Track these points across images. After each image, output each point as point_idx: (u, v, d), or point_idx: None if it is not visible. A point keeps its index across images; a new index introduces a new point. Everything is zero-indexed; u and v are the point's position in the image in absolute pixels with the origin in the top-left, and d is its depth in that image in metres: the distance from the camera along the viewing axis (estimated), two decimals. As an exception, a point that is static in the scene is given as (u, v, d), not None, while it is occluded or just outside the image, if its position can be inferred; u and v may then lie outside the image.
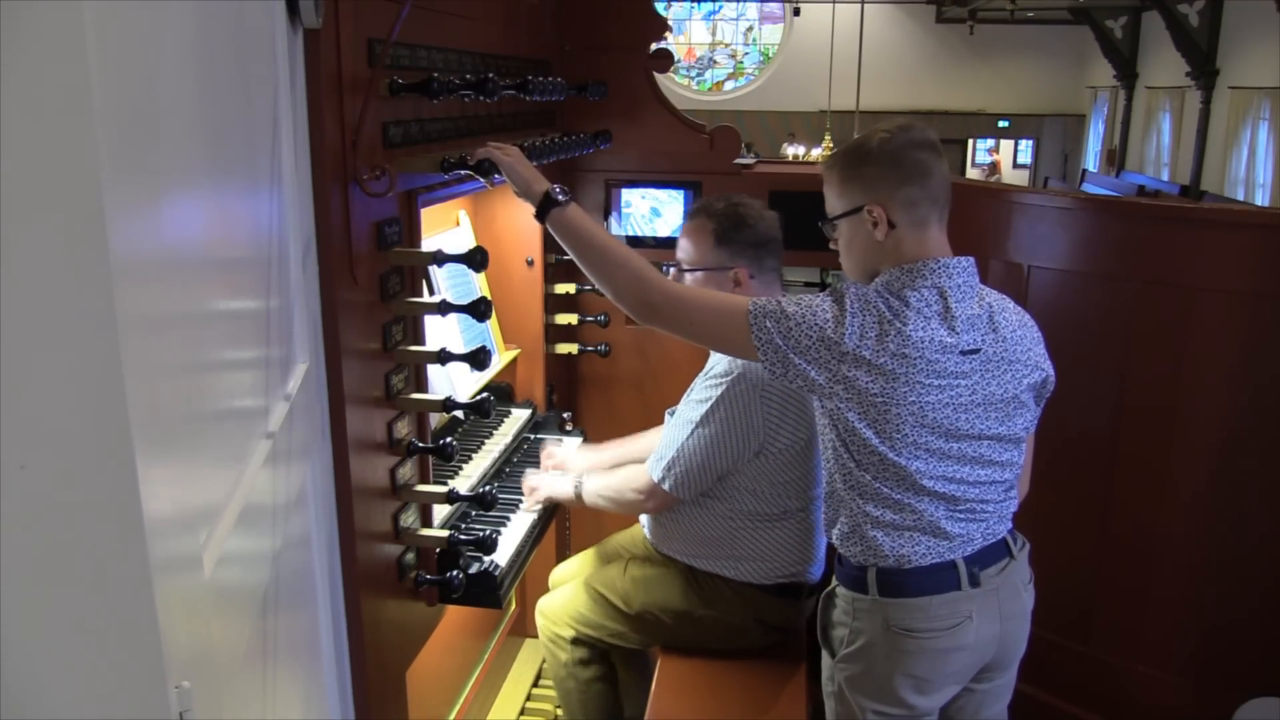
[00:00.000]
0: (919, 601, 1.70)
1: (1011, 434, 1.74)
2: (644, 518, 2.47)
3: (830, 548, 1.90)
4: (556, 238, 1.92)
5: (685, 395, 2.30)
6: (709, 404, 2.17)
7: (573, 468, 2.55)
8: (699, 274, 2.26)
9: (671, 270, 2.36)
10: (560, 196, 1.83)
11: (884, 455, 1.68)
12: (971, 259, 1.74)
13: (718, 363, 2.23)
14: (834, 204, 1.78)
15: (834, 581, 1.86)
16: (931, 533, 1.71)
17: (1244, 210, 5.66)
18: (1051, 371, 1.80)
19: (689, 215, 2.34)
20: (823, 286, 3.10)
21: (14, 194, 0.66)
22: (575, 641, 2.41)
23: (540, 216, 1.86)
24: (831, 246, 1.83)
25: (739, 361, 2.16)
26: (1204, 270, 2.21)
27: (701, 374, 2.27)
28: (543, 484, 2.40)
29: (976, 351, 1.68)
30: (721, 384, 2.17)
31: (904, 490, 1.69)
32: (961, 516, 1.72)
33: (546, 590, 2.63)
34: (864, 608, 1.75)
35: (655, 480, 2.24)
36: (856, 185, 1.72)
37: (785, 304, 1.69)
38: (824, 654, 1.86)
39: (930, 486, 1.69)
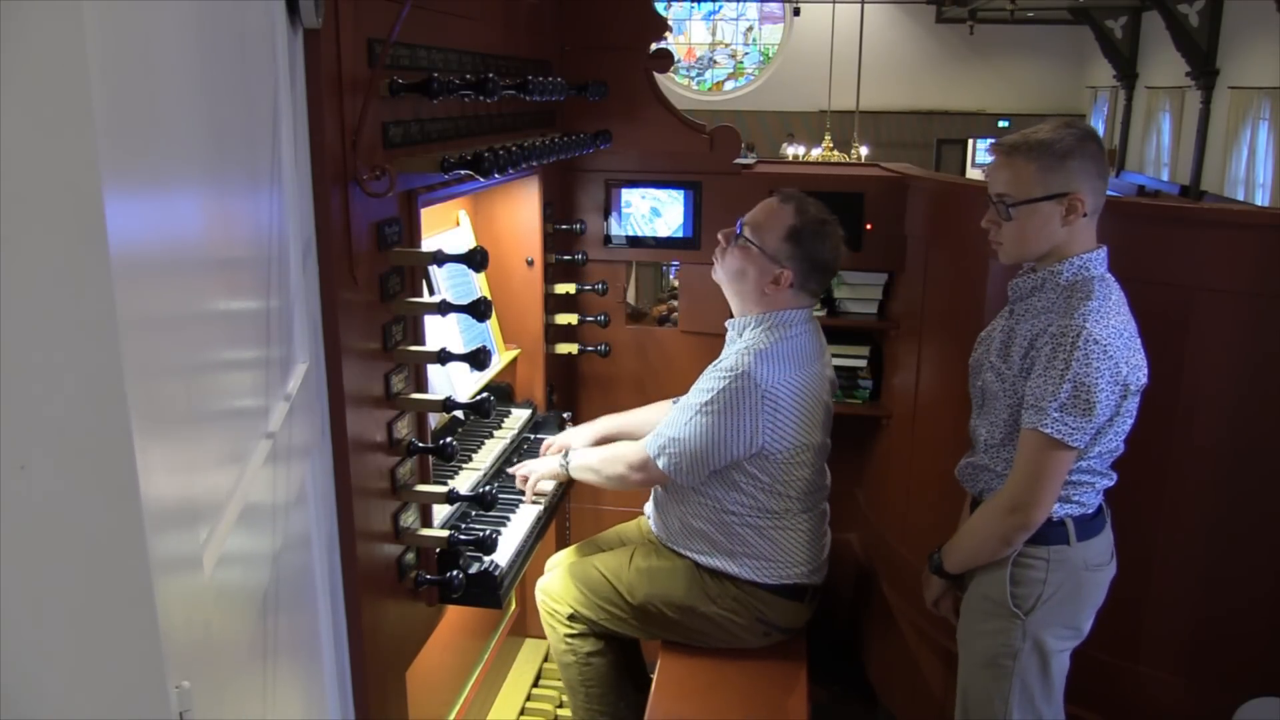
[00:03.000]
0: (1098, 539, 1.96)
1: None
2: (650, 512, 2.47)
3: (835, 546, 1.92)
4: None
5: (697, 381, 2.31)
6: (711, 394, 2.19)
7: (574, 443, 2.56)
8: (753, 250, 2.25)
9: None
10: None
11: (1110, 438, 1.90)
12: (1105, 247, 1.94)
13: (728, 354, 2.25)
14: (1026, 188, 1.86)
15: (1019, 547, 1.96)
16: (1103, 476, 1.96)
17: (1244, 210, 5.66)
18: None
19: (782, 197, 2.30)
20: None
21: (14, 194, 0.66)
22: (572, 618, 2.43)
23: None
24: (987, 224, 1.94)
25: (747, 358, 2.17)
26: (1204, 270, 2.21)
27: (714, 363, 2.28)
28: (531, 468, 2.41)
29: None
30: (726, 377, 2.18)
31: (1103, 456, 1.93)
32: (1109, 462, 1.97)
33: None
34: (1061, 558, 1.93)
35: (650, 455, 2.25)
36: (1060, 174, 1.84)
37: (1072, 404, 1.80)
38: (1003, 618, 1.95)
39: (1119, 447, 1.93)
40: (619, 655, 2.50)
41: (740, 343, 2.27)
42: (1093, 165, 1.86)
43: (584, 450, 2.43)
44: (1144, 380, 1.90)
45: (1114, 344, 1.80)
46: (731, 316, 2.36)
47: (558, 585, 2.46)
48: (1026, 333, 1.90)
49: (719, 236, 2.34)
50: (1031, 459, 1.87)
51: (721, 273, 2.32)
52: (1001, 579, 1.95)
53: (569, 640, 2.45)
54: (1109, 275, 1.92)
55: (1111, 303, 1.86)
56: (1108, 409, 1.83)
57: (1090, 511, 1.95)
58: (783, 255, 2.23)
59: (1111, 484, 1.99)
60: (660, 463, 2.24)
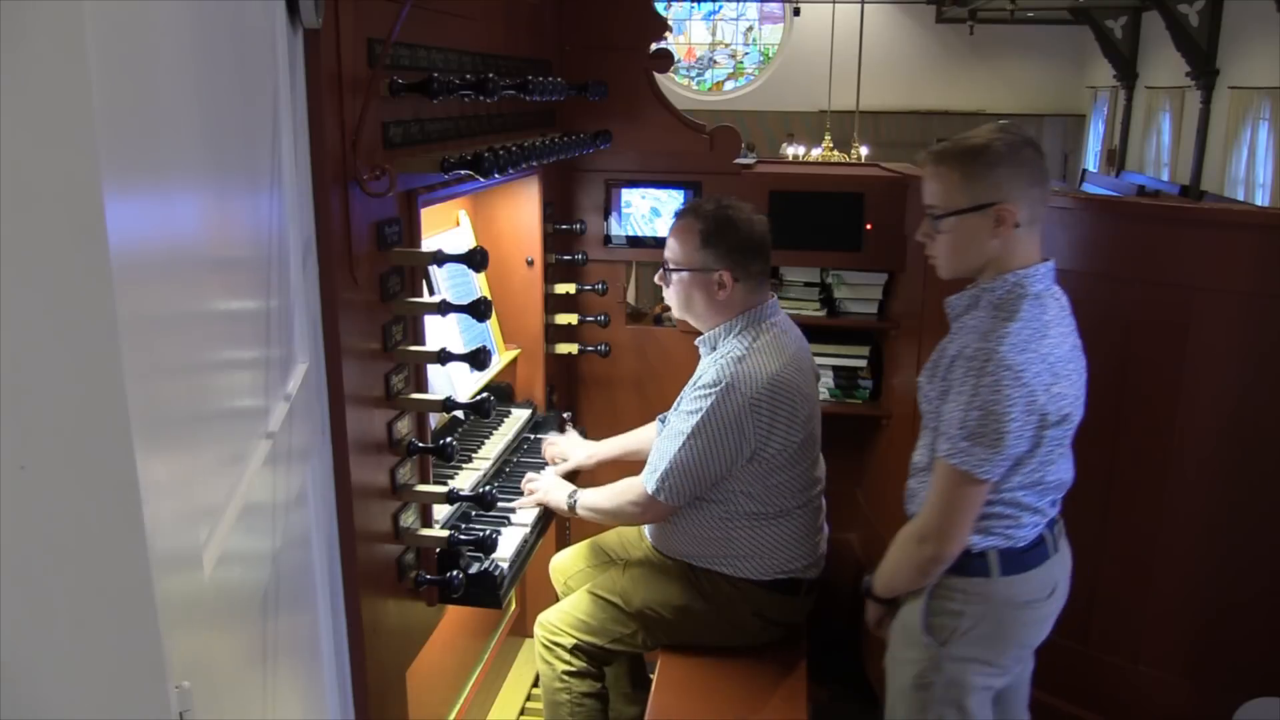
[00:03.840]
0: (1031, 575, 1.83)
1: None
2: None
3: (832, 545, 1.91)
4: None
5: (675, 404, 2.31)
6: (699, 415, 2.17)
7: (573, 458, 2.56)
8: (684, 274, 2.28)
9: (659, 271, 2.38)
10: (570, 501, 2.35)
11: (1033, 469, 1.78)
12: (1053, 261, 1.82)
13: (705, 372, 2.23)
14: (952, 199, 1.77)
15: (931, 581, 1.88)
16: (1041, 514, 1.84)
17: (1244, 210, 5.66)
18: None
19: (678, 215, 2.35)
20: (822, 286, 3.10)
21: (14, 194, 0.66)
22: (575, 650, 2.39)
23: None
24: (920, 239, 1.85)
25: (727, 371, 2.17)
26: (1204, 270, 2.21)
27: (690, 383, 2.27)
28: (541, 488, 2.39)
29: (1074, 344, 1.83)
30: (711, 394, 2.17)
31: (1029, 488, 1.80)
32: (1055, 496, 1.87)
33: (546, 589, 2.63)
34: (982, 590, 1.82)
35: (650, 493, 2.25)
36: (985, 183, 1.73)
37: (980, 433, 1.70)
38: (920, 647, 1.87)
39: (1048, 478, 1.81)
40: (608, 702, 2.48)
41: (717, 354, 2.26)
42: (1025, 173, 1.74)
43: (590, 492, 2.40)
44: (1069, 410, 1.77)
45: (1030, 370, 1.68)
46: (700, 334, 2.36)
47: (557, 617, 2.43)
48: (952, 353, 1.78)
49: (655, 280, 2.40)
50: (940, 489, 1.77)
51: (676, 308, 2.36)
52: (918, 608, 1.87)
53: (566, 677, 2.40)
54: (1051, 292, 1.80)
55: (1040, 324, 1.73)
56: (1021, 440, 1.71)
57: (1020, 545, 1.82)
58: (710, 261, 2.24)
59: (1049, 518, 1.87)
60: (661, 498, 2.24)
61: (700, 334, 2.36)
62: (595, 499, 2.37)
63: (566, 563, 2.66)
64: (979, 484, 1.73)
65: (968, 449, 1.71)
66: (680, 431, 2.21)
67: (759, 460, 2.21)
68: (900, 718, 1.94)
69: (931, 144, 1.99)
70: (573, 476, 2.52)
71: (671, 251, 2.31)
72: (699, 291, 2.27)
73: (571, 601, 2.43)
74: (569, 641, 2.39)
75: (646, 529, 2.45)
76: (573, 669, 2.39)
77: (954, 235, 1.78)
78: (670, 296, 2.35)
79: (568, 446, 2.60)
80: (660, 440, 2.30)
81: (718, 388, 2.16)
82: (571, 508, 2.36)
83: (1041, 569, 1.84)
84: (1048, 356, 1.71)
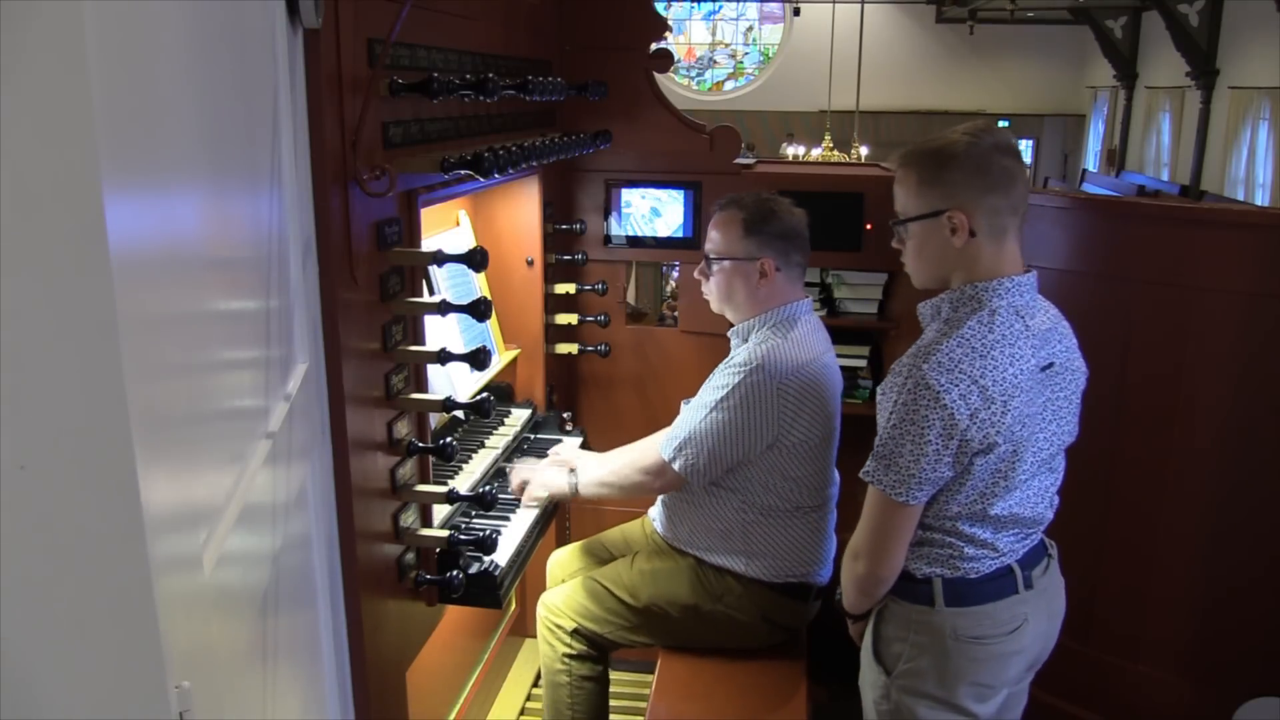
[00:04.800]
0: (984, 609, 1.71)
1: (1071, 439, 1.77)
2: (655, 511, 2.46)
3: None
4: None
5: (706, 382, 2.30)
6: (726, 390, 2.18)
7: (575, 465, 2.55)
8: (726, 263, 2.28)
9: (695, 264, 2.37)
10: (571, 483, 2.33)
11: (994, 496, 1.68)
12: (1034, 273, 1.72)
13: (739, 352, 2.24)
14: (908, 205, 1.71)
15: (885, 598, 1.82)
16: (992, 548, 1.72)
17: (1244, 210, 5.66)
18: (1087, 369, 1.82)
19: (718, 207, 2.34)
20: (823, 286, 3.10)
21: (14, 194, 0.66)
22: (575, 634, 2.39)
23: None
24: (895, 245, 1.78)
25: (759, 352, 2.17)
26: (1204, 270, 2.21)
27: (723, 363, 2.27)
28: (538, 480, 2.37)
29: (1051, 365, 1.69)
30: (740, 372, 2.17)
31: (971, 519, 1.70)
32: (1020, 530, 1.75)
33: (546, 587, 2.62)
34: (924, 620, 1.73)
35: (666, 459, 2.24)
36: (937, 189, 1.65)
37: (895, 454, 1.63)
38: (873, 671, 1.82)
39: (1022, 513, 1.71)
40: (608, 684, 2.48)
41: (749, 343, 2.27)
42: (981, 179, 1.63)
43: (591, 466, 2.38)
44: (1001, 442, 1.62)
45: (951, 393, 1.57)
46: (732, 325, 2.36)
47: (561, 600, 2.42)
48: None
49: (695, 275, 2.39)
50: (867, 509, 1.70)
51: (715, 300, 2.35)
52: (871, 631, 1.82)
53: (566, 660, 2.39)
54: (1015, 309, 1.66)
55: (982, 343, 1.61)
56: (938, 465, 1.61)
57: (971, 577, 1.70)
58: (753, 249, 2.25)
59: (1014, 554, 1.74)
60: (676, 465, 2.22)
61: (733, 326, 2.35)
62: (600, 472, 2.35)
63: (564, 560, 2.65)
64: (900, 507, 1.65)
65: (878, 469, 1.65)
66: (705, 404, 2.21)
67: (779, 449, 2.20)
68: None
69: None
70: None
71: (713, 243, 2.31)
72: (741, 281, 2.27)
73: (576, 586, 2.43)
74: (570, 625, 2.39)
75: (656, 520, 2.44)
76: (573, 651, 2.39)
77: (915, 242, 1.72)
78: (711, 289, 2.33)
79: (573, 458, 2.60)
80: (684, 411, 2.30)
81: (749, 366, 2.17)
82: (574, 485, 2.35)
83: (1000, 604, 1.71)
84: (981, 379, 1.59)
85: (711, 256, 2.30)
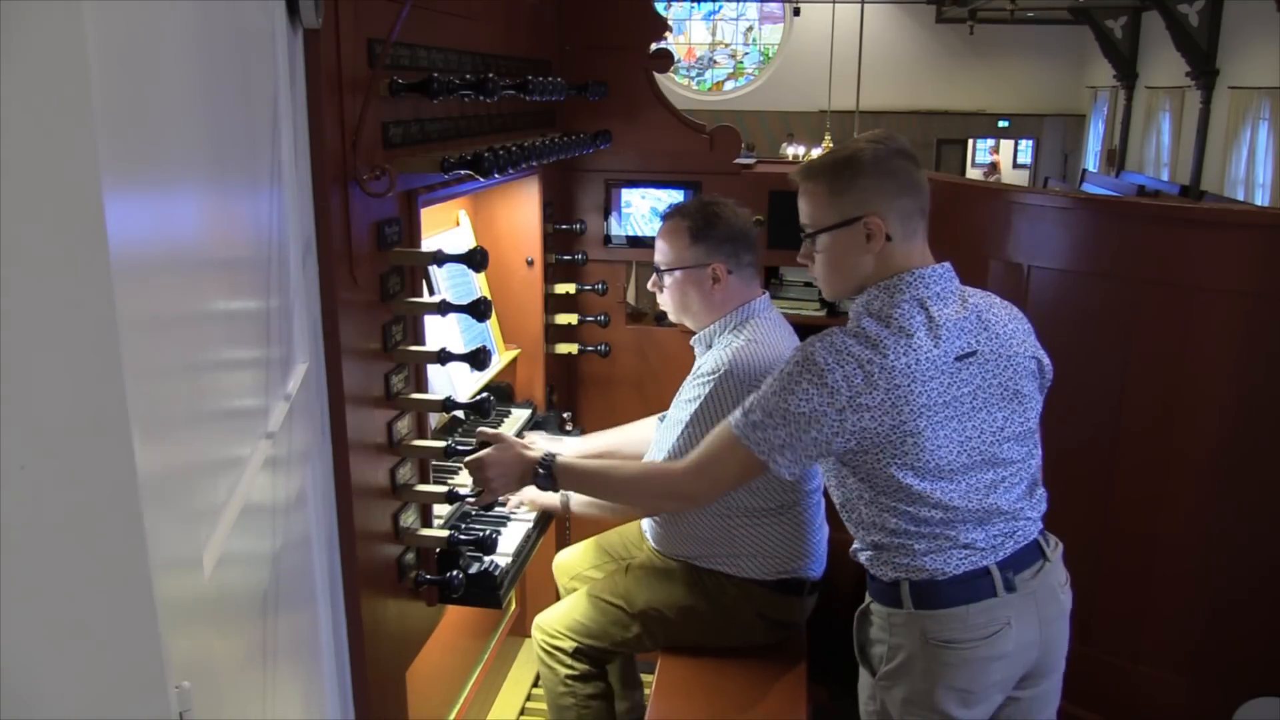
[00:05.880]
0: (955, 611, 1.67)
1: (1023, 429, 1.73)
2: (646, 524, 2.46)
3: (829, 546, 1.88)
4: (575, 493, 2.17)
5: (675, 397, 2.31)
6: (698, 402, 2.17)
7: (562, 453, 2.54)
8: (678, 273, 2.29)
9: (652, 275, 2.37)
10: (541, 469, 1.94)
11: (907, 484, 1.65)
12: (948, 264, 1.73)
13: (705, 361, 2.24)
14: (821, 215, 1.72)
15: (867, 598, 1.82)
16: (960, 544, 1.68)
17: (1244, 210, 5.66)
18: (1047, 358, 1.80)
19: (663, 218, 2.36)
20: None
21: (14, 194, 0.66)
22: (575, 654, 2.37)
23: (546, 486, 1.97)
24: (802, 260, 1.79)
25: (725, 357, 2.17)
26: (1204, 270, 2.21)
27: (690, 375, 2.28)
28: (528, 495, 2.34)
29: (973, 354, 1.67)
30: (710, 381, 2.17)
31: (930, 509, 1.67)
32: (987, 522, 1.70)
33: (547, 589, 2.62)
34: (900, 622, 1.72)
35: None
36: (850, 196, 1.68)
37: (761, 407, 1.67)
38: (862, 673, 1.83)
39: (954, 502, 1.67)
40: (614, 698, 2.47)
41: (713, 349, 2.27)
42: (891, 183, 1.67)
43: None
44: (898, 430, 1.61)
45: (836, 373, 1.60)
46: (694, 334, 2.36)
47: (557, 620, 2.40)
48: None
49: (649, 288, 2.40)
50: (711, 441, 1.76)
51: (673, 311, 2.36)
52: (856, 633, 1.82)
53: (570, 681, 2.37)
54: (920, 298, 1.66)
55: (876, 333, 1.62)
56: (800, 439, 1.63)
57: (939, 579, 1.68)
58: (702, 256, 2.26)
59: (988, 549, 1.69)
60: None
61: (695, 335, 2.35)
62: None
63: (570, 561, 2.65)
64: (744, 452, 1.69)
65: (749, 426, 1.68)
66: (679, 420, 2.21)
67: None
68: None
69: (931, 144, 1.96)
70: None
71: (662, 254, 2.32)
72: (694, 289, 2.28)
73: (570, 603, 2.42)
74: (569, 645, 2.37)
75: (647, 531, 2.44)
76: (576, 673, 2.37)
77: (827, 254, 1.73)
78: (665, 300, 2.35)
79: (549, 445, 2.59)
80: (659, 432, 2.30)
81: (716, 374, 2.17)
82: (565, 500, 2.33)
83: (974, 608, 1.67)
84: (867, 365, 1.60)
85: (662, 268, 2.31)
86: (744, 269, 2.29)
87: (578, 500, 2.32)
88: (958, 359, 1.65)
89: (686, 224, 2.27)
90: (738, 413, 1.72)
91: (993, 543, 1.70)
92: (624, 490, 2.00)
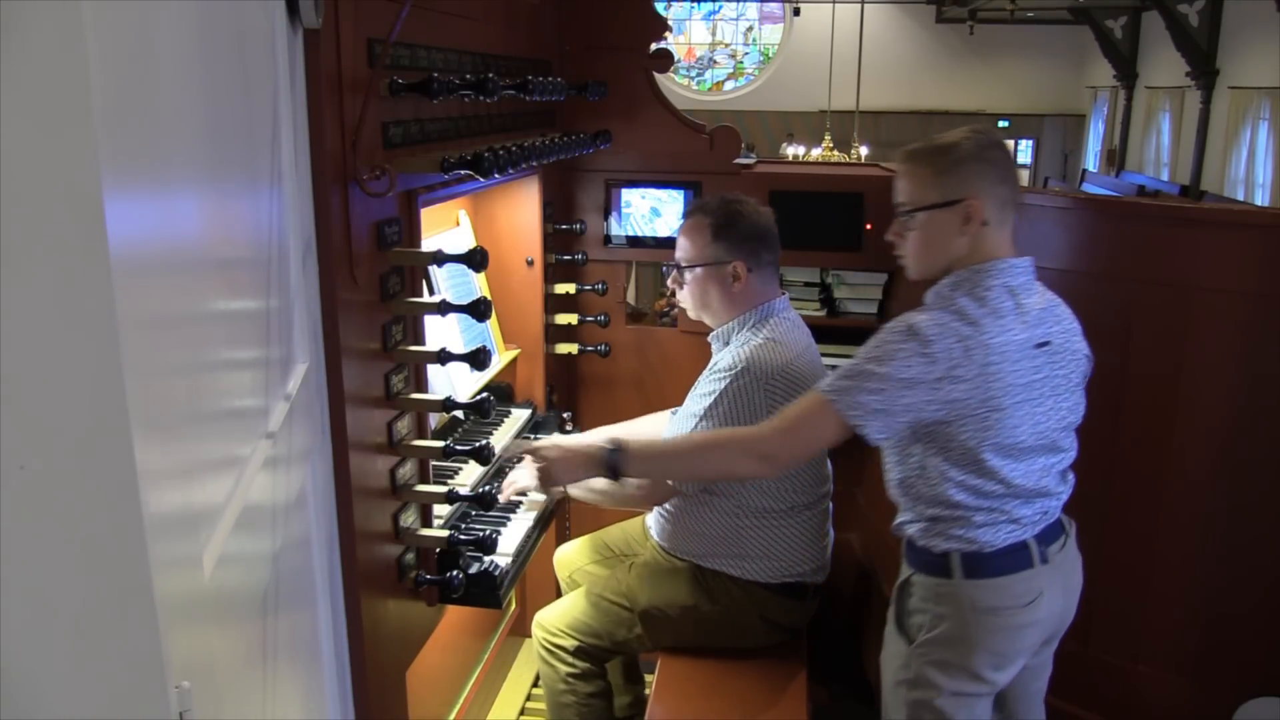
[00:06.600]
0: (1001, 581, 1.79)
1: (1077, 419, 1.85)
2: (651, 518, 2.46)
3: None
4: (643, 477, 2.17)
5: (690, 391, 2.30)
6: (713, 397, 2.18)
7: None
8: (698, 270, 2.29)
9: (671, 271, 2.38)
10: (610, 456, 1.99)
11: (983, 459, 1.75)
12: (1031, 258, 1.82)
13: (722, 357, 2.24)
14: (922, 194, 1.79)
15: (906, 570, 1.92)
16: (1011, 519, 1.80)
17: (1244, 210, 5.66)
18: (1091, 355, 1.90)
19: (686, 214, 2.37)
20: (822, 286, 3.10)
21: (14, 194, 0.66)
22: (577, 652, 2.37)
23: (615, 474, 2.02)
24: (891, 238, 1.87)
25: (743, 355, 2.18)
26: (1204, 270, 2.21)
27: (706, 370, 2.28)
28: (523, 478, 2.35)
29: (1048, 344, 1.77)
30: (726, 377, 2.17)
31: (995, 484, 1.77)
32: (1033, 501, 1.81)
33: (547, 588, 2.62)
34: (947, 591, 1.82)
35: None
36: (954, 178, 1.76)
37: (858, 373, 1.73)
38: (894, 644, 1.92)
39: (1016, 480, 1.77)
40: (613, 697, 2.47)
41: (730, 347, 2.27)
42: (993, 171, 1.77)
43: None
44: (986, 405, 1.69)
45: (939, 344, 1.67)
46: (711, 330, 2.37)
47: (558, 618, 2.40)
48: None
49: (669, 284, 2.41)
50: (800, 408, 1.81)
51: (691, 307, 2.36)
52: (894, 605, 1.92)
53: (570, 680, 2.37)
54: (1010, 286, 1.75)
55: (975, 313, 1.70)
56: (895, 402, 1.69)
57: (987, 550, 1.79)
58: (722, 253, 2.26)
59: (1028, 524, 1.81)
60: (670, 480, 2.22)
61: (712, 331, 2.36)
62: (591, 480, 2.32)
63: (571, 556, 2.65)
64: (830, 404, 1.74)
65: (840, 390, 1.73)
66: (693, 414, 2.21)
67: None
68: (889, 712, 1.97)
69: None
70: None
71: (683, 250, 2.32)
72: (714, 286, 2.28)
73: (571, 601, 2.42)
74: (570, 644, 2.37)
75: (653, 527, 2.44)
76: (576, 670, 2.37)
77: (923, 232, 1.81)
78: (685, 297, 2.35)
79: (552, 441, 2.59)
80: (673, 424, 2.30)
81: (733, 370, 2.17)
82: (564, 490, 2.34)
83: (1016, 578, 1.79)
84: (967, 340, 1.68)
85: (683, 265, 2.32)
86: (764, 268, 2.29)
87: (578, 487, 2.32)
88: (1037, 346, 1.75)
89: (708, 221, 2.27)
90: (829, 379, 1.78)
91: (1033, 519, 1.82)
92: (701, 455, 2.00)
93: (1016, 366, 1.71)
